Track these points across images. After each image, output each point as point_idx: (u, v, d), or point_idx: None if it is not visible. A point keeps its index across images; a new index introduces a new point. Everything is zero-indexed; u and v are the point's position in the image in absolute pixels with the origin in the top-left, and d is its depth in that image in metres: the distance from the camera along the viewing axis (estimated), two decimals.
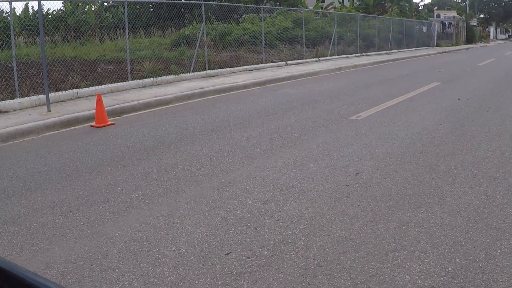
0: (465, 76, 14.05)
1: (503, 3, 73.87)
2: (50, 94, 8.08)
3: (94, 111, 7.35)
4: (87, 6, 16.67)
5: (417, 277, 2.64)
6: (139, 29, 15.68)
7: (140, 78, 11.13)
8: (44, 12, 14.45)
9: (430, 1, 67.45)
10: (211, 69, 13.30)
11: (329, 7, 30.92)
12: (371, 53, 23.37)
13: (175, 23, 15.16)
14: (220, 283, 2.63)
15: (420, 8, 47.46)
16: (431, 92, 10.36)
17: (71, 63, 10.79)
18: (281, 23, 19.51)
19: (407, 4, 36.91)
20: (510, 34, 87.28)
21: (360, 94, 10.07)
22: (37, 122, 7.02)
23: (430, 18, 41.77)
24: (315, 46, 19.85)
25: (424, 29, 35.44)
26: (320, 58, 18.69)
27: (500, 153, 5.23)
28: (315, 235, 3.21)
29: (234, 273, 2.73)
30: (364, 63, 18.42)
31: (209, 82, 11.59)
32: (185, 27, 15.58)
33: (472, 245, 3.02)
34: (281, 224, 3.40)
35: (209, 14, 17.82)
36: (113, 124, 7.31)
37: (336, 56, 20.04)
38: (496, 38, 71.93)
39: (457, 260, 2.84)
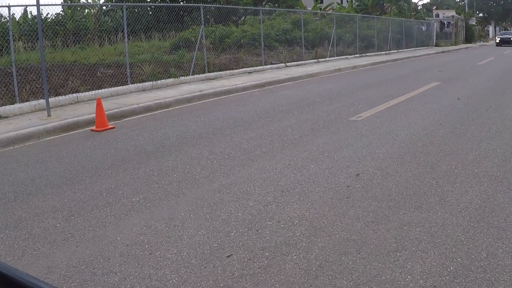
0: (465, 75, 14.06)
1: (502, 2, 73.78)
2: (50, 99, 8.09)
3: (94, 115, 7.35)
4: (86, 10, 16.69)
5: (418, 277, 2.64)
6: (139, 32, 15.70)
7: (139, 82, 11.14)
8: (42, 17, 14.47)
9: (428, 1, 67.48)
10: (210, 72, 13.31)
11: (328, 8, 30.96)
12: (370, 53, 23.37)
13: (174, 26, 15.18)
14: (222, 285, 2.63)
15: (419, 8, 47.46)
16: (431, 91, 10.36)
17: (70, 68, 10.81)
18: (280, 25, 19.52)
19: (405, 4, 36.93)
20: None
21: (359, 95, 10.07)
22: (37, 127, 7.03)
23: (429, 18, 41.79)
24: (314, 47, 19.85)
25: (423, 29, 35.43)
26: (320, 60, 18.70)
27: (500, 152, 5.23)
28: (316, 236, 3.21)
29: (236, 275, 2.73)
30: (364, 64, 18.43)
31: (208, 85, 11.60)
32: (185, 30, 15.59)
33: (474, 245, 3.02)
34: (282, 225, 3.40)
35: (208, 17, 17.83)
36: (113, 128, 7.31)
37: (336, 57, 20.04)
38: (495, 37, 71.76)
39: (459, 259, 2.84)
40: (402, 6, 35.96)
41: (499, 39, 42.41)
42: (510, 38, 40.67)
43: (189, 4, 15.30)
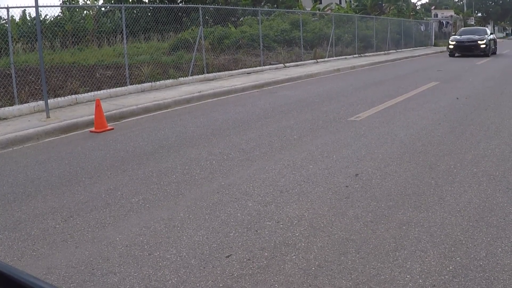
0: (463, 75, 14.07)
1: (501, 1, 73.88)
2: (49, 100, 8.08)
3: (93, 116, 7.35)
4: (85, 12, 16.70)
5: (418, 277, 2.65)
6: (138, 33, 15.71)
7: (138, 83, 11.14)
8: (41, 19, 14.47)
9: (427, 1, 67.53)
10: (209, 73, 13.32)
11: (327, 8, 30.98)
12: (369, 54, 23.38)
13: (173, 27, 15.20)
14: (221, 285, 2.64)
15: (418, 7, 47.52)
16: (429, 91, 10.37)
17: (69, 69, 10.81)
18: (279, 25, 19.53)
19: (404, 4, 36.99)
20: (507, 32, 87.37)
21: (358, 95, 10.08)
22: (36, 128, 7.03)
23: (428, 18, 41.84)
24: (313, 47, 19.86)
25: (422, 29, 35.47)
26: (318, 60, 18.71)
27: (499, 151, 5.24)
28: (316, 236, 3.21)
29: (235, 275, 2.73)
30: (362, 64, 18.44)
31: (207, 86, 11.60)
32: (183, 31, 15.60)
33: (473, 244, 3.03)
34: (281, 226, 3.40)
35: (207, 17, 17.83)
36: (112, 129, 7.31)
37: (334, 58, 20.05)
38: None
39: (458, 259, 2.84)
40: (401, 6, 36.04)
41: (453, 43, 22.88)
42: (477, 42, 22.30)
43: (188, 5, 15.30)
